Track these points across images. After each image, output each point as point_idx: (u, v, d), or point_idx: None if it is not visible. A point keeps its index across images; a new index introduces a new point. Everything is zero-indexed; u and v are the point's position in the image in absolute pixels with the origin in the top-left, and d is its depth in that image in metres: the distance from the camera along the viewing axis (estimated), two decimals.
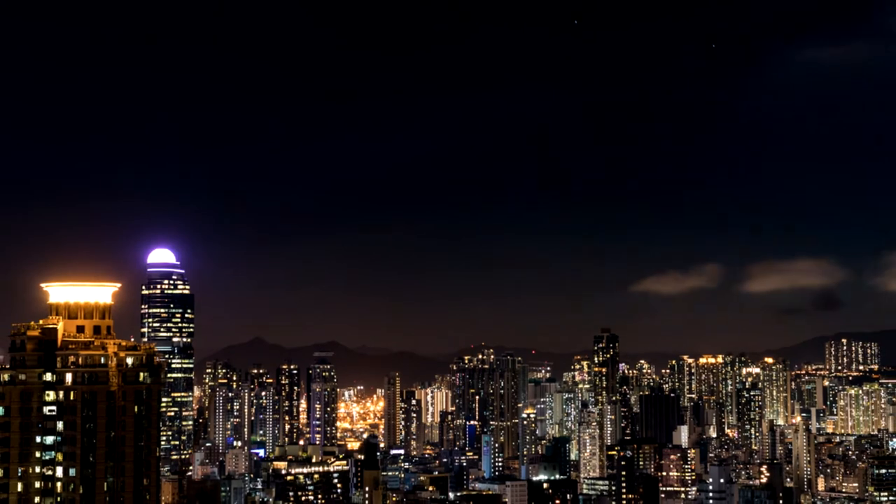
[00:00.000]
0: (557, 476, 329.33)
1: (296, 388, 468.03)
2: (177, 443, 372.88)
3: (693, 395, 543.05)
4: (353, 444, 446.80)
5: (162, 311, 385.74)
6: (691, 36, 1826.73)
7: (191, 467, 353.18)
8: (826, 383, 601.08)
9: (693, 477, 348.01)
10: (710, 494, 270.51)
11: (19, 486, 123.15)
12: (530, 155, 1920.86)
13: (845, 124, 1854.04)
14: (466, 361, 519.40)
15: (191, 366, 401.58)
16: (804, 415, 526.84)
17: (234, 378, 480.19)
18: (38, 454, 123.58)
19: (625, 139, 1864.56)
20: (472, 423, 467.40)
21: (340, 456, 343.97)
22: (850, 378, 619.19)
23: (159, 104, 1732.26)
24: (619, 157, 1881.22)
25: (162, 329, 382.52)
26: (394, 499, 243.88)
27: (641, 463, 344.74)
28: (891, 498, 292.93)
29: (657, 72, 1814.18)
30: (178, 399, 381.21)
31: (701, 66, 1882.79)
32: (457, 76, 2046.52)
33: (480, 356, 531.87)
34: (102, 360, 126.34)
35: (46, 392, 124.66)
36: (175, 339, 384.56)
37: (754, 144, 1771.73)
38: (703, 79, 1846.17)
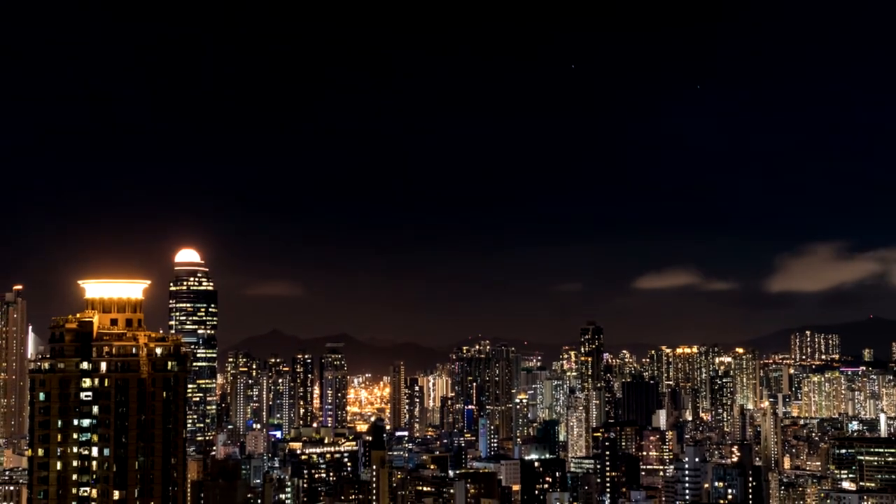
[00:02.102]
0: (547, 455, 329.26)
1: (310, 375, 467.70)
2: (201, 425, 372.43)
3: (671, 382, 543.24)
4: (362, 427, 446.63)
5: (188, 305, 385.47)
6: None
7: (214, 447, 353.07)
8: (791, 371, 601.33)
9: (671, 456, 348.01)
10: (686, 472, 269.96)
11: (58, 465, 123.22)
12: (525, 165, 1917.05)
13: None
14: (465, 351, 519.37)
15: (214, 355, 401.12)
16: (771, 400, 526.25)
17: (254, 367, 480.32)
18: (75, 436, 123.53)
19: (618, 161, 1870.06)
20: (469, 407, 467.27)
21: (350, 437, 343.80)
22: (814, 367, 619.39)
23: (185, 117, 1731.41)
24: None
25: (188, 322, 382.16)
26: (398, 476, 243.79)
27: (624, 444, 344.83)
28: (850, 475, 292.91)
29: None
30: (203, 386, 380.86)
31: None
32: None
33: (477, 346, 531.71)
34: (134, 350, 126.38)
35: (83, 379, 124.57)
36: (200, 332, 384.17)
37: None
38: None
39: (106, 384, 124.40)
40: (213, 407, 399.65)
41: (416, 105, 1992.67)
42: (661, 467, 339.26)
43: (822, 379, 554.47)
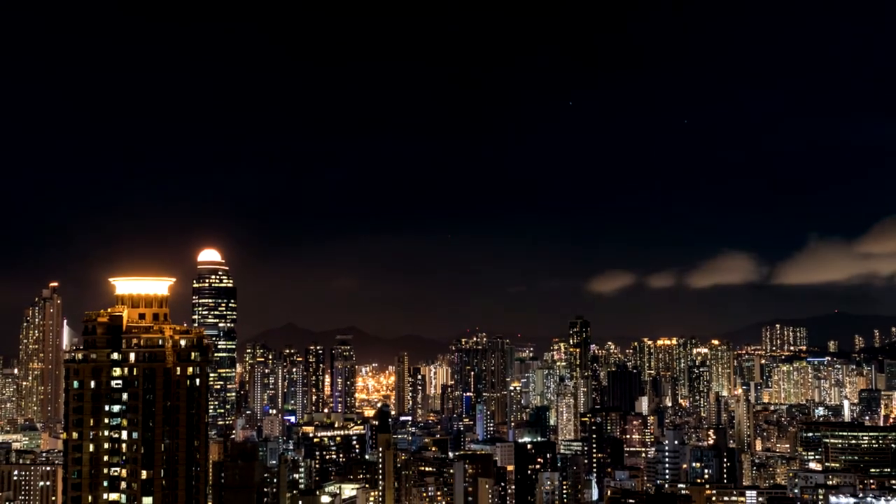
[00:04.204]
0: (539, 438, 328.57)
1: (321, 365, 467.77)
2: (222, 411, 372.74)
3: (652, 372, 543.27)
4: (369, 412, 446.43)
5: (210, 301, 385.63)
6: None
7: (234, 431, 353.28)
8: (763, 361, 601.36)
9: (652, 439, 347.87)
10: (666, 453, 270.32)
11: (91, 447, 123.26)
12: (515, 174, 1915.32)
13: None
14: (463, 343, 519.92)
15: (233, 347, 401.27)
16: (744, 387, 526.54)
17: (270, 357, 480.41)
18: (106, 420, 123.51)
19: (600, 169, 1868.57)
20: (468, 394, 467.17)
21: (358, 422, 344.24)
22: (783, 357, 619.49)
23: (208, 127, 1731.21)
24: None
25: (210, 316, 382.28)
26: (402, 457, 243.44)
27: (609, 427, 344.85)
28: (816, 456, 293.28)
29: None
30: (223, 374, 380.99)
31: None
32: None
33: (475, 339, 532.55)
34: (160, 342, 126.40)
35: (113, 368, 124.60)
36: (221, 325, 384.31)
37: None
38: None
39: (134, 373, 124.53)
40: (233, 394, 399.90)
41: (415, 121, 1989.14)
42: (644, 449, 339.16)
43: (791, 368, 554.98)
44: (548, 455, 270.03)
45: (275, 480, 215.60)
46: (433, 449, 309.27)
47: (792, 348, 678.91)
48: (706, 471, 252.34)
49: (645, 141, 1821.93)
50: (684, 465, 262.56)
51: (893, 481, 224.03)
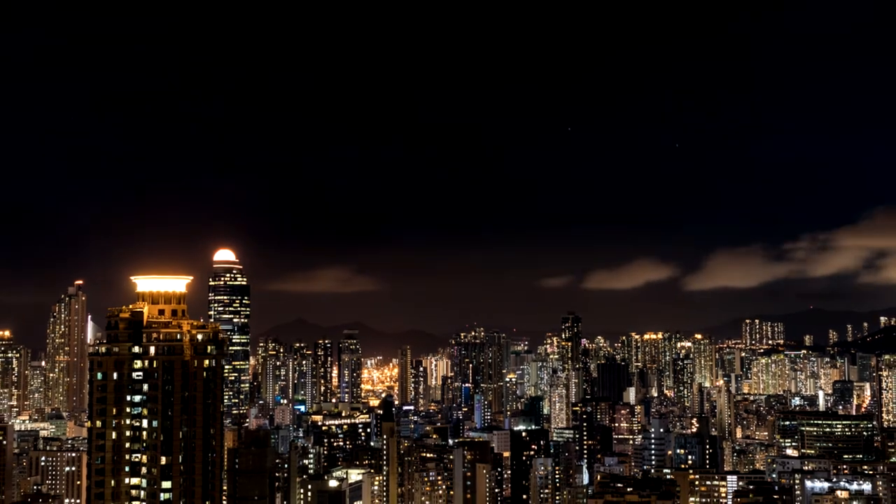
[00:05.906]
0: (533, 426, 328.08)
1: (329, 358, 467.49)
2: (236, 401, 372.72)
3: (639, 364, 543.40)
4: (374, 402, 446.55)
5: (225, 298, 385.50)
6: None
7: (247, 420, 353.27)
8: (743, 354, 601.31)
9: (639, 427, 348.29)
10: (652, 441, 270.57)
11: (114, 435, 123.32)
12: (509, 185, 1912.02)
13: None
14: (462, 337, 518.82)
15: (247, 341, 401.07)
16: (726, 379, 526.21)
17: (281, 350, 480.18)
18: (128, 409, 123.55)
19: (597, 173, 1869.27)
20: (466, 385, 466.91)
21: (364, 411, 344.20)
22: (762, 350, 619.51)
23: (223, 132, 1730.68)
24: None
25: (225, 312, 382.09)
26: (405, 444, 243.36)
27: (599, 416, 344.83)
28: (793, 444, 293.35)
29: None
30: (238, 367, 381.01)
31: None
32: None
33: (473, 333, 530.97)
34: (178, 336, 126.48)
35: (134, 361, 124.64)
36: (235, 320, 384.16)
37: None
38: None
39: (154, 365, 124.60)
40: (247, 385, 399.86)
41: (417, 127, 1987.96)
42: (631, 437, 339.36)
43: (769, 361, 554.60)
44: (541, 442, 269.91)
45: (286, 466, 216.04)
46: (434, 436, 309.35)
47: (770, 342, 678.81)
48: (690, 457, 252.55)
49: (640, 151, 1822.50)
50: (669, 452, 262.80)
51: (865, 467, 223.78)
